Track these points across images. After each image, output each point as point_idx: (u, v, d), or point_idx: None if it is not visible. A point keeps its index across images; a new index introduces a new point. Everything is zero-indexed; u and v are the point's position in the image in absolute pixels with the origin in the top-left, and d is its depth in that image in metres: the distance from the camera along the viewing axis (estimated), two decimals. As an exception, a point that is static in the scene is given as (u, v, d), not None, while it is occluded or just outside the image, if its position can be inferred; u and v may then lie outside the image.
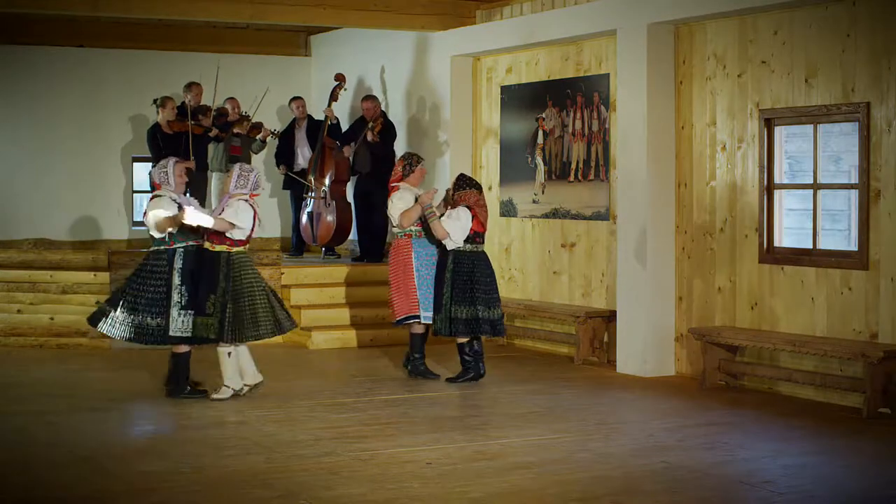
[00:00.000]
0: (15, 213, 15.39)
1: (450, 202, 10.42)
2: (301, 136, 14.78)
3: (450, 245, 10.24)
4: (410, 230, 10.41)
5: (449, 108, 13.69)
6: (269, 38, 16.50)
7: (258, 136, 14.71)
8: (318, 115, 15.21)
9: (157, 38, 15.78)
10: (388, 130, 13.90)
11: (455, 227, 10.19)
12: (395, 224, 10.45)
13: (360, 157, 13.98)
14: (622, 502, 6.60)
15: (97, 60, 15.69)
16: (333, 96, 14.43)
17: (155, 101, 13.84)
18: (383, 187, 13.89)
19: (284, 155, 14.81)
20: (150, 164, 14.19)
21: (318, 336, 12.52)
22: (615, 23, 11.17)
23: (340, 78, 14.48)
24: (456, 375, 10.45)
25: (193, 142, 13.64)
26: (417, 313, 10.36)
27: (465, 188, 10.33)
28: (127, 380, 10.49)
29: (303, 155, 14.75)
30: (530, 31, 12.35)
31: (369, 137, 13.75)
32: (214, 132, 14.03)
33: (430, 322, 10.36)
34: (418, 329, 10.54)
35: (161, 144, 13.53)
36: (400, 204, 10.38)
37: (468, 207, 10.24)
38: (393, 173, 10.69)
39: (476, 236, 10.29)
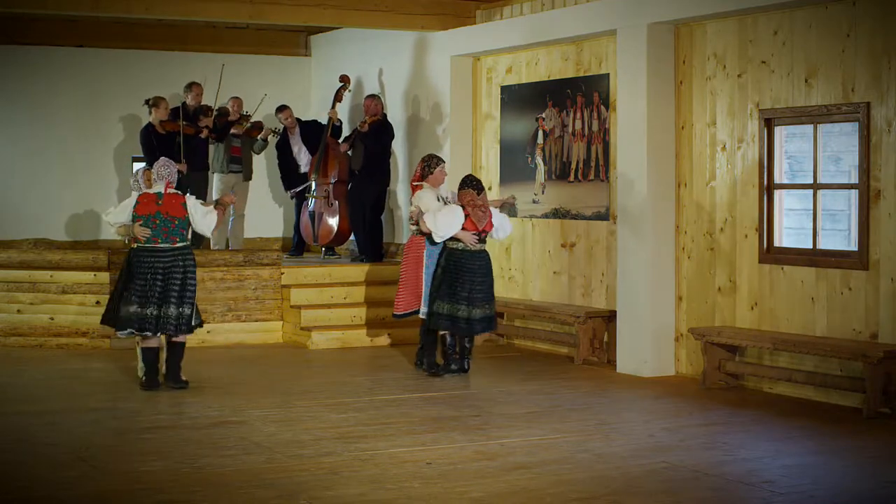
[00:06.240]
0: (15, 213, 15.38)
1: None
2: (296, 142, 14.76)
3: (436, 238, 10.45)
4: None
5: (449, 108, 13.68)
6: (269, 38, 16.49)
7: (259, 136, 14.71)
8: (317, 117, 15.20)
9: (157, 38, 15.77)
10: (383, 128, 13.88)
11: (440, 223, 10.34)
12: (413, 221, 10.74)
13: (355, 153, 14.00)
14: (622, 502, 6.60)
15: (97, 60, 15.68)
16: (338, 97, 14.45)
17: (147, 101, 13.81)
18: (376, 187, 13.95)
19: (285, 166, 14.81)
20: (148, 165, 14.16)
21: (318, 336, 12.51)
22: (615, 23, 11.17)
23: (345, 79, 14.49)
24: (440, 367, 10.77)
25: (185, 142, 13.62)
26: (419, 308, 10.74)
27: (463, 188, 10.56)
28: (127, 379, 10.49)
29: (301, 160, 14.73)
30: (530, 31, 12.35)
31: (359, 126, 13.79)
32: (205, 133, 13.95)
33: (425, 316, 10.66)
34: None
35: (155, 144, 13.47)
36: (423, 203, 10.60)
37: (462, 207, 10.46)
38: (414, 174, 10.99)
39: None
